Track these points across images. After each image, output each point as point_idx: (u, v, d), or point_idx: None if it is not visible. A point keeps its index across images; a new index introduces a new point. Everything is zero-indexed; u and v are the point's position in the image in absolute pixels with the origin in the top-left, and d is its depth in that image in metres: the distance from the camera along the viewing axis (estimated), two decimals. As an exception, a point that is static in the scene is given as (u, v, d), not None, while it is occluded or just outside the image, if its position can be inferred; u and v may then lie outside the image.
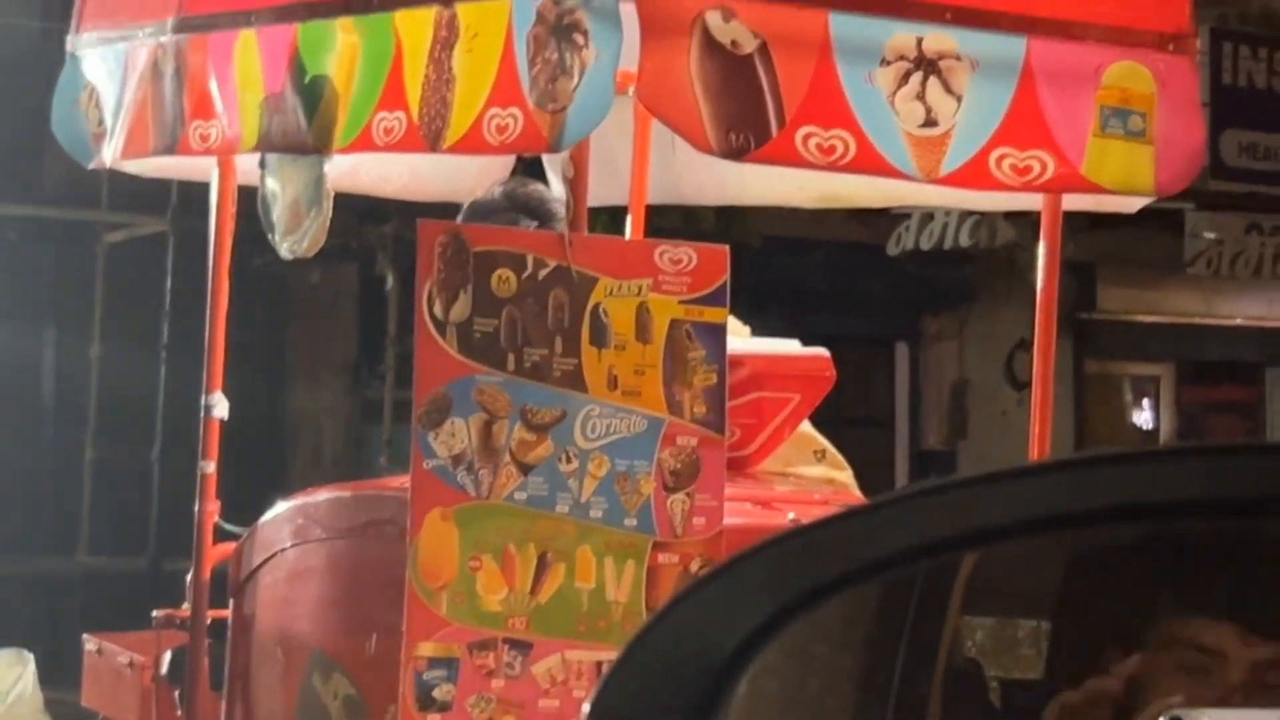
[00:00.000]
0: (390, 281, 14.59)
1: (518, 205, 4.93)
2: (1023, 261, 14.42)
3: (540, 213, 4.87)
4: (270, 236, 5.35)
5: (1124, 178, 4.56)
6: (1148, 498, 1.20)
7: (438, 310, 4.02)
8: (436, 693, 3.99)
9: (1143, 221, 5.29)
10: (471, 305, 4.03)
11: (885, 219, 14.36)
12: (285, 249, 5.38)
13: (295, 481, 13.03)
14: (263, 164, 5.40)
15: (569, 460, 4.03)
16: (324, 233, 5.32)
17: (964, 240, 14.81)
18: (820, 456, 5.21)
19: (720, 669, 1.09)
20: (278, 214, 5.30)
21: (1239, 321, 17.32)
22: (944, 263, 15.63)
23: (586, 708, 1.15)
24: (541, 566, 4.00)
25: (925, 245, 15.10)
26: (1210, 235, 14.80)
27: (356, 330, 16.66)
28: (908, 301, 16.49)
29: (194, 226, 12.93)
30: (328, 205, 5.42)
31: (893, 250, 15.24)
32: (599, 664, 3.94)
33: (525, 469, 4.01)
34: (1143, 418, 18.16)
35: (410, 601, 3.96)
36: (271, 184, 5.39)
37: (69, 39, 5.72)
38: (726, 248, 4.39)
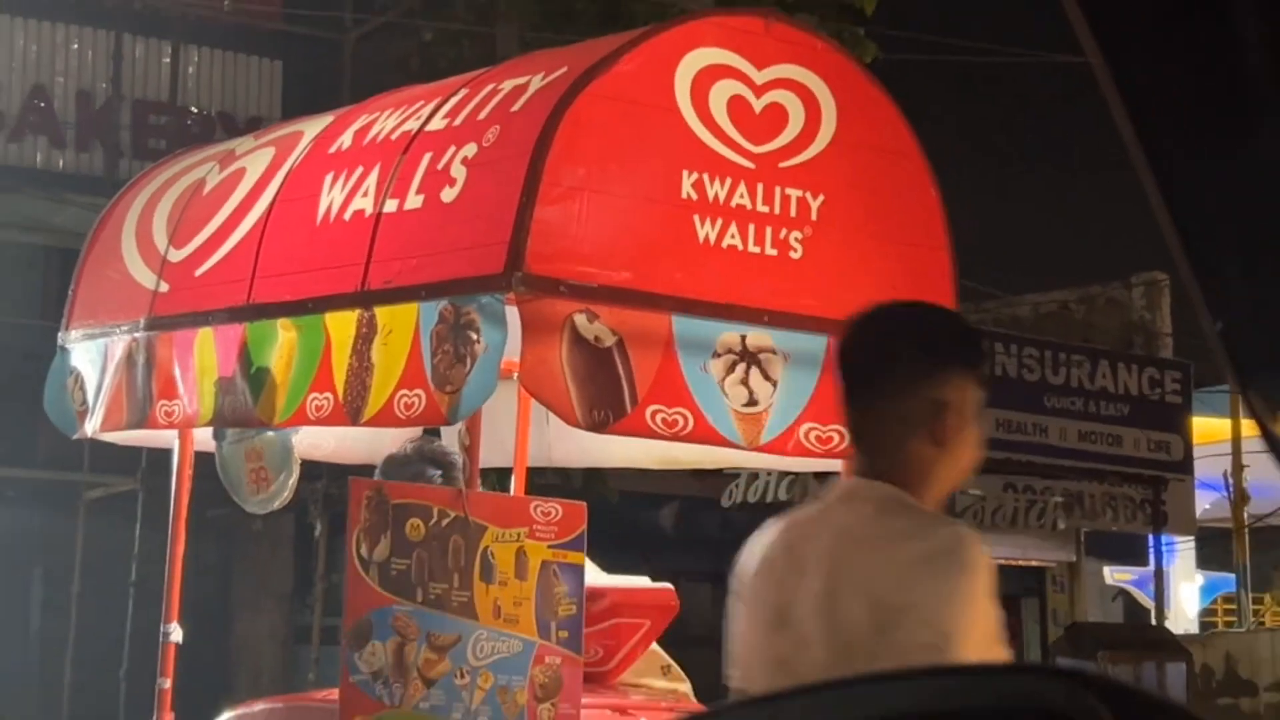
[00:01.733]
0: (319, 528, 14.44)
1: (426, 458, 4.93)
2: (829, 512, 14.49)
3: (444, 464, 4.87)
4: (234, 495, 5.31)
5: (907, 446, 4.61)
6: (929, 707, 1.22)
7: (364, 551, 3.99)
8: None
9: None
10: (390, 547, 4.01)
11: (720, 477, 14.40)
12: (254, 506, 5.35)
13: (239, 694, 12.77)
14: (218, 436, 5.38)
15: (462, 676, 3.98)
16: (293, 490, 5.30)
17: (782, 495, 14.85)
18: (666, 670, 5.17)
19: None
20: (238, 477, 5.28)
21: (998, 561, 17.40)
22: (767, 512, 15.59)
23: None
24: (440, 763, 3.95)
25: (752, 499, 15.14)
26: (975, 492, 14.93)
27: (292, 568, 16.46)
28: (738, 543, 16.40)
29: (159, 485, 12.78)
30: (296, 469, 5.41)
31: (726, 502, 15.25)
32: None
33: (429, 683, 3.96)
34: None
35: None
36: (227, 452, 5.37)
37: (60, 334, 5.71)
38: (584, 504, 4.39)
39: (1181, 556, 20.16)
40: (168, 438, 5.39)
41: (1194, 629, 19.44)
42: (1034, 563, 17.69)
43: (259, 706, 5.16)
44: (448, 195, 4.34)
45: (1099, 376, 15.70)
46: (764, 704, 1.35)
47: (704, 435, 4.31)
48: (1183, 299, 17.75)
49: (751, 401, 4.34)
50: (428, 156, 4.45)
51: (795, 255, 4.45)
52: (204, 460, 5.51)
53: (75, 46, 15.25)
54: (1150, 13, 0.78)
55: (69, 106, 15.13)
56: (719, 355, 4.29)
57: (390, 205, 4.49)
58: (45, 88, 15.06)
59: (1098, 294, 17.79)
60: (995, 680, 1.31)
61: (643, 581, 5.08)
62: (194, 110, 15.54)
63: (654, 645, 5.11)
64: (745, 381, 4.32)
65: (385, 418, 4.33)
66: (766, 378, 4.35)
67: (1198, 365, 16.03)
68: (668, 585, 5.07)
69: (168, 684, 5.27)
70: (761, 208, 4.42)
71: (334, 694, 5.07)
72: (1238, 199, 0.79)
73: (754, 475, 14.47)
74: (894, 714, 1.22)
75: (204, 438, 5.37)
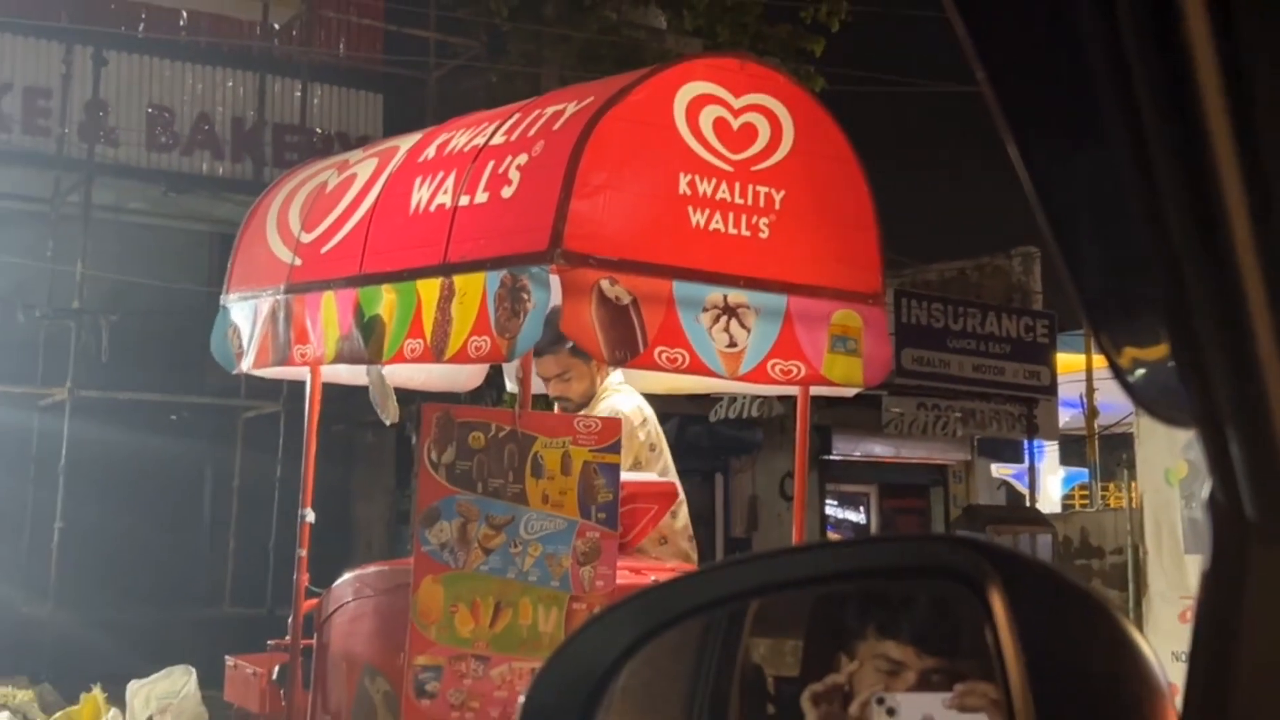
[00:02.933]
0: (414, 439, 14.48)
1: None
2: (788, 425, 14.46)
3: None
4: (378, 410, 5.29)
5: (845, 377, 4.59)
6: (858, 567, 1.21)
7: (433, 456, 3.99)
8: (428, 687, 3.91)
9: (858, 401, 5.34)
10: (455, 453, 4.00)
11: (708, 400, 14.40)
12: (384, 419, 5.34)
13: (356, 560, 12.81)
14: (369, 370, 5.34)
15: (516, 546, 3.98)
16: (397, 410, 5.28)
17: (755, 412, 14.85)
18: (663, 542, 5.17)
19: (603, 674, 1.08)
20: (379, 398, 5.26)
21: (913, 461, 17.43)
22: (743, 426, 15.67)
23: (521, 699, 1.13)
24: (497, 610, 3.94)
25: (732, 415, 15.14)
26: (897, 410, 14.91)
27: (394, 468, 16.50)
28: (722, 449, 16.48)
29: (296, 408, 12.79)
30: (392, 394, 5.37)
31: (713, 418, 15.25)
32: (532, 670, 3.90)
33: (487, 551, 3.97)
34: (859, 517, 18.22)
35: (411, 631, 3.90)
36: (374, 379, 5.35)
37: (222, 297, 5.70)
38: (620, 420, 4.38)
39: (1049, 456, 20.19)
40: (302, 373, 5.39)
41: (1057, 509, 19.45)
42: (939, 461, 17.72)
43: (370, 569, 5.17)
44: (506, 193, 4.32)
45: (988, 324, 15.67)
46: (732, 566, 1.34)
47: (697, 369, 4.31)
48: (1050, 266, 17.71)
49: (732, 344, 4.33)
50: (491, 164, 4.43)
51: (763, 236, 4.43)
52: (330, 389, 5.50)
53: (230, 84, 15.22)
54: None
55: (226, 129, 15.11)
56: (707, 310, 4.29)
57: (464, 200, 4.47)
58: (209, 115, 15.03)
59: (987, 263, 17.76)
60: (906, 547, 1.29)
61: (651, 477, 5.08)
62: (318, 131, 15.49)
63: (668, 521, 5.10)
64: (727, 329, 4.31)
65: (461, 357, 4.32)
66: (743, 326, 4.34)
67: (1060, 315, 16.02)
68: (672, 479, 5.06)
69: (303, 553, 5.28)
70: (738, 200, 4.40)
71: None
72: (1090, 185, 0.78)
73: (734, 398, 14.48)
74: (829, 573, 1.20)
75: (329, 373, 5.35)
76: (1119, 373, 0.79)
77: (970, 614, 1.01)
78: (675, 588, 1.26)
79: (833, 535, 17.14)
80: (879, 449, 16.86)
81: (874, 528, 18.11)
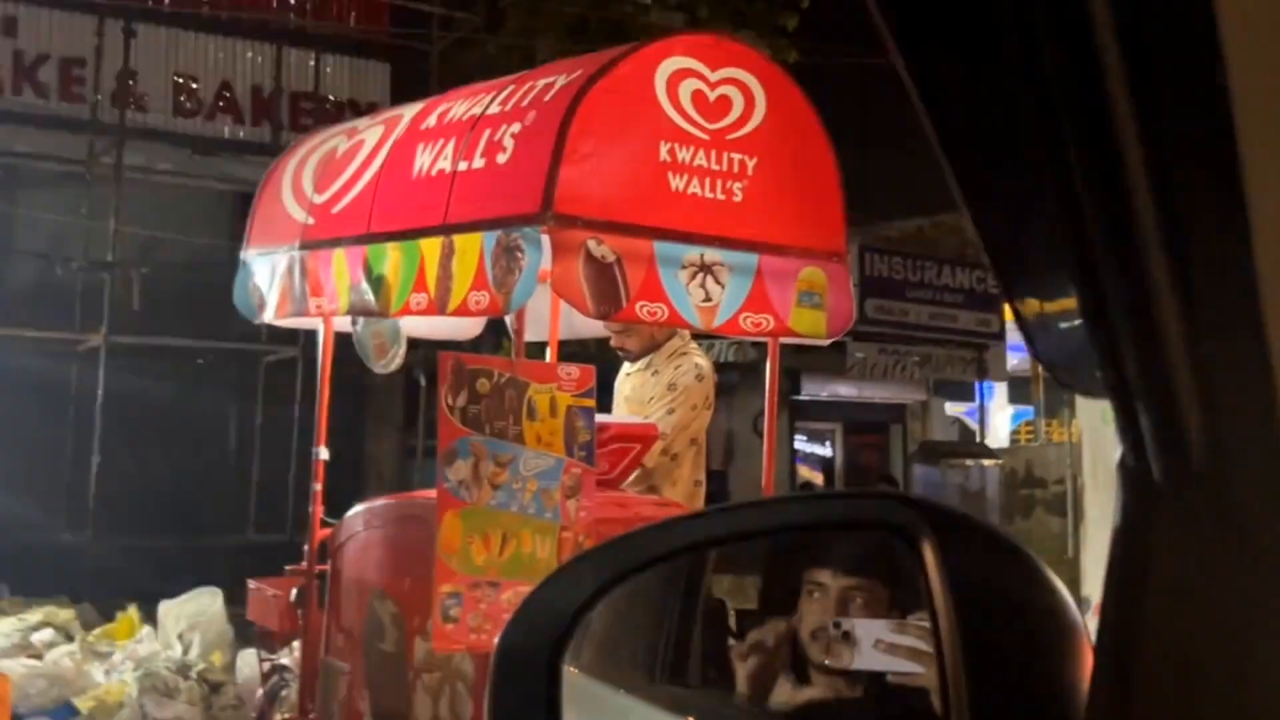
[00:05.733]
0: (421, 382, 14.46)
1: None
2: (761, 369, 14.45)
3: None
4: (365, 360, 5.27)
5: (810, 329, 4.59)
6: (807, 520, 1.22)
7: (449, 399, 3.98)
8: (451, 612, 3.92)
9: (825, 346, 5.32)
10: (467, 397, 3.99)
11: (688, 346, 14.39)
12: (378, 368, 5.32)
13: (367, 493, 12.84)
14: (354, 322, 5.35)
15: (517, 482, 3.99)
16: (402, 358, 5.28)
17: (730, 357, 14.88)
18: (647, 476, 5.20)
19: (571, 616, 1.08)
20: (368, 349, 5.23)
21: (875, 400, 17.48)
22: (719, 369, 15.67)
23: (495, 640, 1.14)
24: (504, 541, 3.95)
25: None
26: (860, 355, 14.95)
27: (402, 408, 16.50)
28: (701, 390, 16.49)
29: (314, 352, 12.75)
30: (404, 343, 5.37)
31: (693, 362, 15.27)
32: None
33: (495, 488, 3.97)
34: (825, 451, 18.31)
35: (436, 562, 3.90)
36: (361, 332, 5.33)
37: (241, 252, 5.67)
38: (593, 368, 4.37)
39: (998, 395, 20.25)
40: (317, 322, 5.38)
41: (1005, 444, 19.53)
42: (899, 401, 17.76)
43: (379, 502, 5.18)
44: (501, 159, 4.29)
45: (943, 276, 15.69)
46: (692, 519, 1.35)
47: (675, 321, 4.30)
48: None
49: (707, 299, 4.32)
50: (487, 132, 4.40)
51: (737, 199, 4.41)
52: (342, 337, 5.49)
53: (249, 55, 15.09)
54: None
55: (246, 96, 15.00)
56: (685, 267, 4.27)
57: (462, 165, 4.44)
58: (230, 83, 14.92)
59: (942, 220, 17.71)
60: (851, 503, 1.30)
61: (634, 419, 5.08)
62: (330, 98, 15.38)
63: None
64: (703, 285, 4.30)
65: (462, 310, 4.31)
66: (717, 282, 4.33)
67: (1010, 268, 15.99)
68: (652, 421, 5.06)
69: (318, 486, 5.29)
70: (714, 166, 4.37)
71: (432, 493, 5.12)
72: (996, 137, 0.76)
73: (711, 344, 14.48)
74: (780, 526, 1.21)
75: (341, 323, 5.34)
76: (1024, 326, 0.79)
77: (908, 559, 1.02)
78: (639, 538, 1.26)
79: (801, 468, 17.21)
80: (844, 390, 16.91)
81: (839, 461, 18.18)
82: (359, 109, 14.42)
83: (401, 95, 12.52)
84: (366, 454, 16.44)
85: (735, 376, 16.22)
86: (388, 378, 15.60)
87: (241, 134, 14.92)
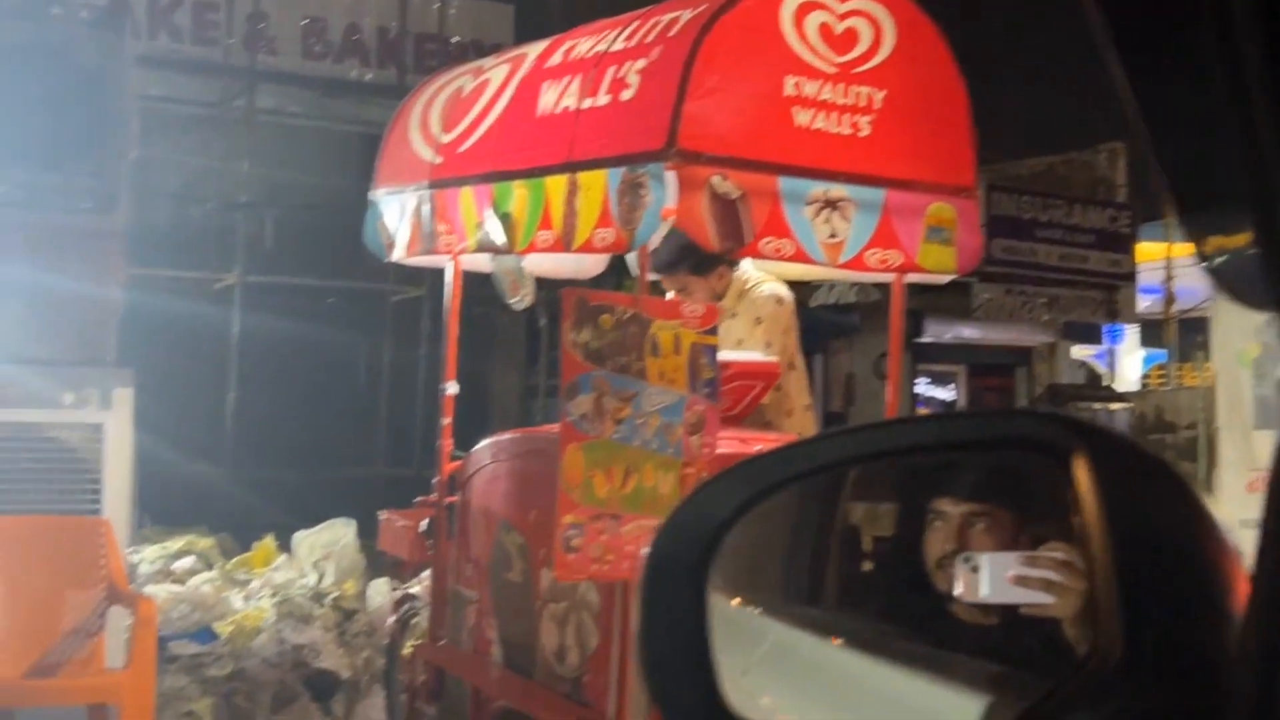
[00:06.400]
0: (542, 320, 14.58)
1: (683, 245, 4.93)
2: (883, 309, 14.26)
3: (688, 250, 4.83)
4: (502, 297, 5.33)
5: (938, 265, 4.52)
6: (949, 439, 1.20)
7: (573, 335, 4.01)
8: (573, 543, 3.98)
9: (949, 288, 5.24)
10: (590, 334, 4.02)
11: (809, 286, 14.27)
12: (513, 305, 5.38)
13: (491, 428, 13.01)
14: (492, 260, 5.39)
15: (640, 417, 4.02)
16: (533, 295, 5.32)
17: (851, 298, 14.72)
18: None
19: (716, 529, 1.09)
20: (504, 286, 5.27)
21: (1000, 343, 17.18)
22: (840, 310, 15.54)
23: (644, 551, 1.15)
24: (626, 475, 3.99)
25: (830, 300, 15.02)
26: (986, 296, 14.69)
27: (524, 346, 16.68)
28: (821, 332, 16.33)
29: (439, 292, 12.92)
30: (531, 280, 5.40)
31: (812, 304, 15.13)
32: (655, 527, 3.94)
33: (617, 422, 4.00)
34: (947, 394, 18.07)
35: (559, 494, 3.95)
36: (497, 269, 5.38)
37: (370, 193, 5.75)
38: (716, 307, 4.36)
39: (1128, 338, 19.75)
40: (444, 261, 5.44)
41: (1135, 388, 19.08)
42: (1024, 344, 17.44)
43: (505, 436, 5.27)
44: (625, 96, 4.28)
45: (1074, 215, 15.30)
46: (832, 437, 1.35)
47: (800, 258, 4.27)
48: (1134, 160, 17.15)
49: (833, 235, 4.28)
50: (612, 69, 4.39)
51: (864, 134, 4.35)
52: (467, 276, 5.55)
53: (375, -2, 15.28)
54: None
55: (373, 38, 15.17)
56: (810, 203, 4.23)
57: (587, 103, 4.44)
58: (357, 25, 15.09)
59: (1074, 158, 17.23)
60: (994, 420, 1.29)
61: (757, 356, 5.08)
62: (455, 39, 15.47)
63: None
64: (829, 221, 4.26)
65: (587, 247, 4.33)
66: (843, 218, 4.29)
67: (1142, 207, 15.57)
68: (774, 358, 5.06)
69: (447, 421, 5.40)
70: (841, 100, 4.31)
71: (554, 428, 5.18)
72: (1181, 78, 0.75)
73: (832, 285, 14.32)
74: (922, 445, 1.20)
75: (469, 261, 5.39)
76: (1203, 258, 0.78)
77: (1050, 483, 1.01)
78: (781, 455, 1.27)
79: (922, 411, 17.02)
80: (968, 332, 16.62)
81: (962, 405, 17.94)
82: (483, 50, 14.46)
83: (525, 36, 12.54)
84: (490, 391, 16.66)
85: (856, 318, 16.05)
86: (511, 317, 15.77)
87: (368, 76, 15.10)
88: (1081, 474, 0.93)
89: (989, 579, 1.36)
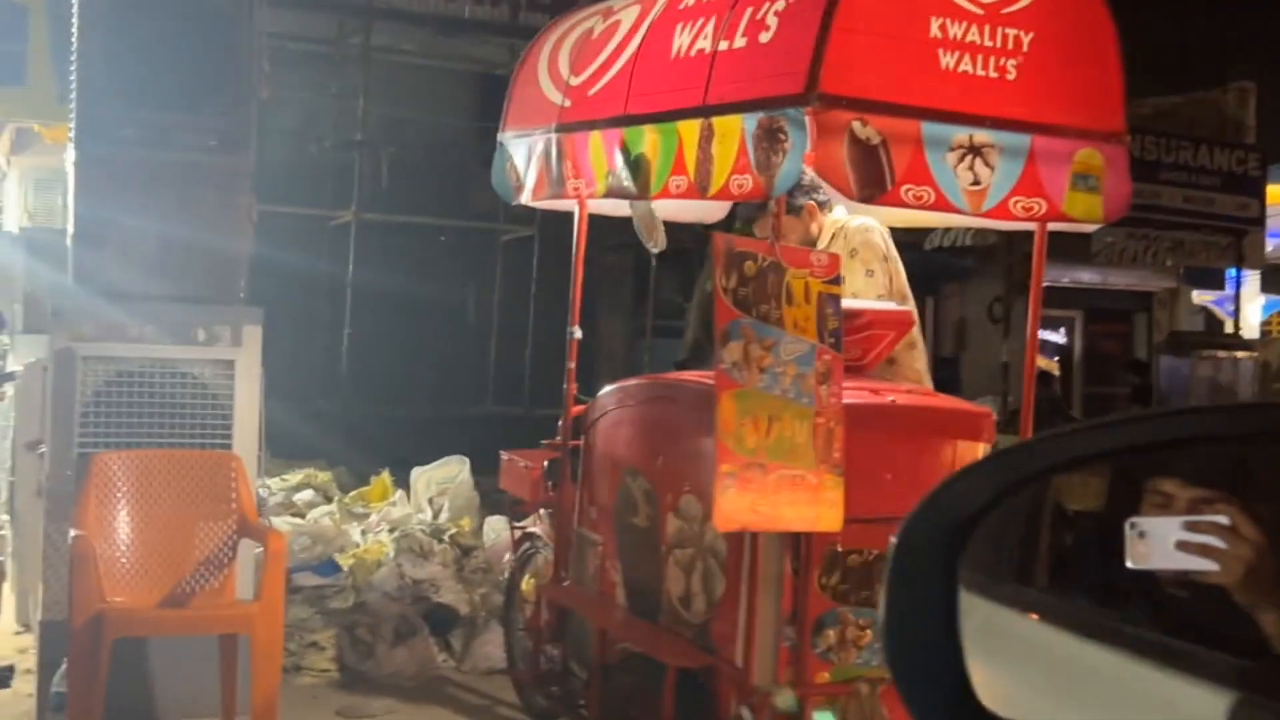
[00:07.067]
0: (653, 263, 14.55)
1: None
2: (999, 253, 13.92)
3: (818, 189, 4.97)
4: (642, 240, 5.27)
5: (1085, 213, 4.37)
6: (1203, 434, 1.14)
7: (723, 281, 3.96)
8: (729, 492, 3.87)
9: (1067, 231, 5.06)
10: (737, 280, 3.96)
11: (922, 229, 14.03)
12: (650, 248, 5.34)
13: (600, 371, 13.10)
14: (631, 205, 5.34)
15: (779, 366, 3.96)
16: (664, 239, 5.27)
17: (967, 242, 14.43)
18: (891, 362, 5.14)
19: (966, 519, 1.05)
20: (642, 230, 5.21)
21: (1119, 287, 16.77)
22: (954, 253, 15.25)
23: (892, 540, 1.12)
24: (770, 424, 3.94)
25: (945, 244, 14.74)
26: (1107, 239, 14.33)
27: (631, 290, 16.69)
28: (935, 275, 16.03)
29: (548, 232, 12.88)
30: (661, 226, 5.33)
31: (927, 247, 14.87)
32: (794, 476, 3.91)
33: (761, 370, 3.95)
34: (1060, 339, 17.74)
35: (717, 441, 3.90)
36: (636, 213, 5.32)
37: (499, 135, 5.71)
38: (838, 255, 4.28)
39: (1249, 283, 19.17)
40: (569, 204, 5.40)
41: (1256, 335, 18.54)
42: (1144, 289, 17.02)
43: (631, 382, 5.24)
44: (763, 38, 4.18)
45: (1200, 157, 14.84)
46: (1088, 431, 1.29)
47: (941, 205, 4.15)
48: (1266, 100, 16.51)
49: (976, 182, 4.16)
50: (749, 10, 4.29)
51: (1010, 77, 4.21)
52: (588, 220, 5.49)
53: (488, -67, 15.20)
54: None
55: (485, -25, 15.14)
56: (953, 150, 4.11)
57: (723, 45, 4.35)
58: (471, -38, 15.08)
59: (1201, 97, 16.65)
60: (1261, 414, 1.22)
61: (889, 305, 4.98)
62: (567, -24, 15.38)
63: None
64: (971, 168, 4.14)
65: (724, 194, 4.27)
66: (987, 165, 4.16)
67: (1272, 149, 15.04)
68: (907, 307, 4.96)
69: (571, 365, 5.37)
70: (987, 43, 4.17)
71: (683, 375, 5.15)
72: None
73: (947, 229, 14.05)
74: (1191, 437, 1.14)
75: (594, 205, 5.34)
76: None
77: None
78: (1033, 449, 1.22)
79: (1053, 364, 16.70)
80: (1086, 276, 16.23)
81: (1078, 350, 17.58)
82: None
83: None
84: (598, 333, 16.73)
85: (971, 260, 15.77)
86: (619, 261, 15.77)
87: (481, 14, 15.07)
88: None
89: (1157, 544, 1.33)
